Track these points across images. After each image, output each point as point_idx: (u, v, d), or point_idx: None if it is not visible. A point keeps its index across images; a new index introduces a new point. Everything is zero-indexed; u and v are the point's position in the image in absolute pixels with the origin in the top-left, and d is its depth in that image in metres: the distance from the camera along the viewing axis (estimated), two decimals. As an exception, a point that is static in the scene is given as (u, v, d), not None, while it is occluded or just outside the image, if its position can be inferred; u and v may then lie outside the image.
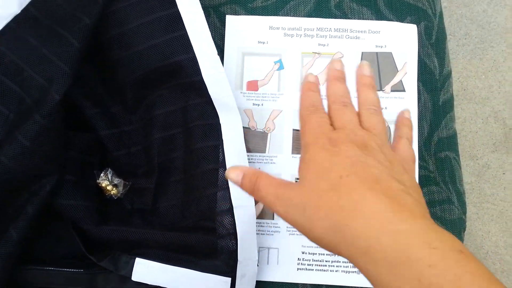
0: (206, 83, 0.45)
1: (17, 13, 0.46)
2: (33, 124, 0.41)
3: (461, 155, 0.58)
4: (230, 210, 0.45)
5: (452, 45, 0.93)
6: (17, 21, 0.46)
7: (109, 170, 0.47)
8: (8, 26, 0.46)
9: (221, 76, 0.45)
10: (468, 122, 0.93)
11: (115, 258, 0.46)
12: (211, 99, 0.46)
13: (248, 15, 0.50)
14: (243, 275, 0.44)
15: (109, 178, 0.47)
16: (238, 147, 0.45)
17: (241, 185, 0.35)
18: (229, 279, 0.44)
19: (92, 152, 0.49)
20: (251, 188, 0.33)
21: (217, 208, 0.45)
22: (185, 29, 0.46)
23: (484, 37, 0.94)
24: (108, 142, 0.48)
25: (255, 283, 0.45)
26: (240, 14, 0.51)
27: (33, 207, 0.43)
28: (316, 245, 0.44)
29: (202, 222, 0.45)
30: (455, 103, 0.53)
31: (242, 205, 0.44)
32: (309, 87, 0.36)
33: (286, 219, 0.31)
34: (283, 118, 0.49)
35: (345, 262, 0.47)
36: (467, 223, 0.49)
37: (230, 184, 0.45)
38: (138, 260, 0.45)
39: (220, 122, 0.46)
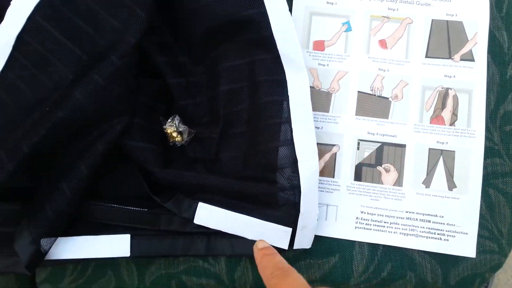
0: (275, 39, 0.46)
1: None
2: (108, 65, 0.42)
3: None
4: (294, 163, 0.45)
5: None
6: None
7: (176, 117, 0.48)
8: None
9: (291, 32, 0.45)
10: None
11: (179, 201, 0.46)
12: (279, 55, 0.46)
13: (319, -25, 0.51)
14: (304, 226, 0.44)
15: (176, 124, 0.48)
16: (304, 104, 0.46)
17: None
18: (290, 229, 0.44)
19: (159, 99, 0.50)
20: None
21: (279, 161, 0.45)
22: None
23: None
24: (175, 90, 0.49)
25: (313, 236, 0.45)
26: (310, -26, 0.51)
27: (102, 145, 0.44)
28: (375, 206, 0.44)
29: (263, 174, 0.46)
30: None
31: (307, 160, 0.45)
32: (264, 252, 0.37)
33: None
34: (348, 79, 0.49)
35: (403, 225, 0.46)
36: (529, 198, 0.48)
37: (295, 138, 0.45)
38: (200, 205, 0.46)
39: (287, 78, 0.46)
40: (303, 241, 0.45)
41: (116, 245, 0.48)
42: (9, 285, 0.53)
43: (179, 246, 0.47)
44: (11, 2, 0.46)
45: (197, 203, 0.46)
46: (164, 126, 0.48)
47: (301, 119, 0.45)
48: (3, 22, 0.46)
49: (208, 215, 0.45)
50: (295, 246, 0.45)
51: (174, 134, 0.48)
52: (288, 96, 0.46)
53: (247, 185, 0.45)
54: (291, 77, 0.46)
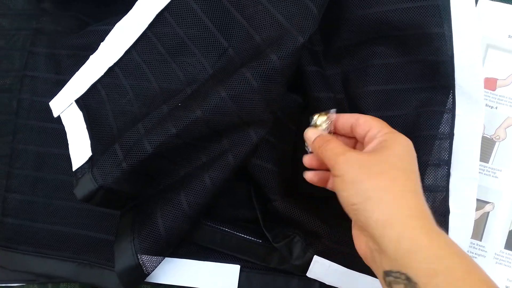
0: (455, 65, 0.39)
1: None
2: (266, 63, 0.35)
3: None
4: (444, 216, 0.38)
5: None
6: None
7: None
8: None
9: (477, 61, 0.39)
10: None
11: (292, 244, 0.40)
12: (454, 84, 0.39)
13: (504, 2, 0.43)
14: None
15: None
16: (472, 147, 0.39)
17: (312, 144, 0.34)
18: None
19: (294, 117, 0.43)
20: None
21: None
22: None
23: None
24: (323, 104, 0.43)
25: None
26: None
27: (234, 157, 0.38)
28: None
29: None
30: None
31: (461, 213, 0.38)
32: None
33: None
34: (518, 129, 0.42)
35: None
36: None
37: (451, 185, 0.39)
38: (316, 259, 0.40)
39: (456, 113, 0.39)
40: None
41: (222, 276, 0.42)
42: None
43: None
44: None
45: (313, 255, 0.40)
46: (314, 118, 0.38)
47: (465, 164, 0.39)
48: (141, -1, 0.40)
49: (324, 271, 0.40)
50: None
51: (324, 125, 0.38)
52: (453, 134, 0.39)
53: None
54: (462, 113, 0.39)
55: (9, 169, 0.45)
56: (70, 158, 0.41)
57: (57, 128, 0.45)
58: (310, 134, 0.35)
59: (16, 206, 0.45)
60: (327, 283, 0.40)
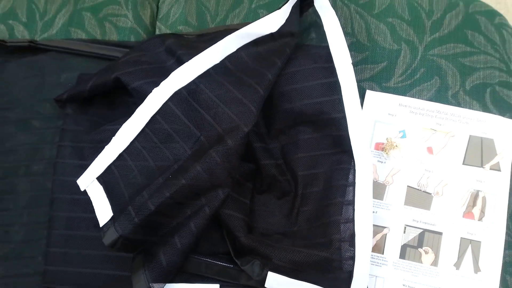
0: (350, 137, 0.59)
1: (216, 63, 0.62)
2: (224, 146, 0.56)
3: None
4: (352, 238, 0.57)
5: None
6: (215, 69, 0.62)
7: None
8: (208, 71, 0.61)
9: (364, 135, 0.59)
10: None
11: (253, 266, 0.58)
12: (351, 149, 0.60)
13: (382, 92, 0.65)
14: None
15: None
16: (367, 190, 0.59)
17: None
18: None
19: (249, 178, 0.63)
20: None
21: (341, 234, 0.57)
22: (341, 94, 0.60)
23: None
24: (266, 169, 0.62)
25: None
26: (375, 90, 0.65)
27: (209, 209, 0.57)
28: (415, 281, 0.56)
29: (326, 243, 0.58)
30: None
31: (362, 236, 0.57)
32: None
33: None
34: (400, 175, 0.62)
35: (438, 298, 0.58)
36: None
37: (356, 217, 0.58)
38: (270, 274, 0.57)
39: (356, 168, 0.59)
40: (356, 304, 0.57)
41: None
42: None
43: None
44: (153, 90, 0.60)
45: (267, 272, 0.57)
46: None
47: (364, 202, 0.58)
48: (143, 104, 0.60)
49: (277, 282, 0.57)
50: (349, 308, 0.57)
51: None
52: (355, 183, 0.59)
53: (311, 254, 0.57)
54: (360, 168, 0.59)
55: (49, 230, 0.63)
56: (92, 219, 0.59)
57: (83, 199, 0.63)
58: None
59: (55, 257, 0.62)
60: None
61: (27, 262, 0.64)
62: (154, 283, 0.56)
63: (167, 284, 0.58)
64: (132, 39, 0.72)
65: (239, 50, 0.62)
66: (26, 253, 0.65)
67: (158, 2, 0.77)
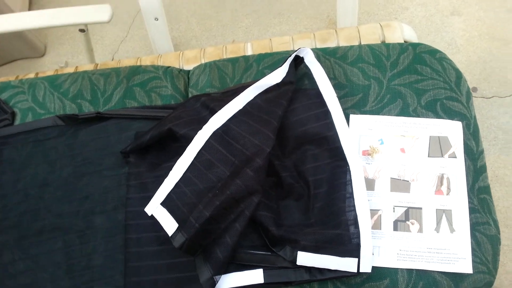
0: (343, 148, 0.82)
1: (240, 108, 0.86)
2: (255, 164, 0.78)
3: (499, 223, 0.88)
4: (356, 220, 0.78)
5: (485, 144, 1.29)
6: (240, 112, 0.86)
7: None
8: (235, 114, 0.85)
9: (353, 145, 0.82)
10: (501, 199, 1.25)
11: (286, 250, 0.78)
12: (345, 156, 0.82)
13: (362, 114, 0.89)
14: (364, 256, 0.75)
15: None
16: (361, 185, 0.81)
17: None
18: (356, 259, 0.76)
19: (273, 188, 0.84)
20: None
21: (348, 219, 0.78)
22: (332, 118, 0.84)
23: (509, 139, 1.30)
24: (286, 181, 0.84)
25: (371, 264, 0.76)
26: (356, 114, 0.89)
27: (248, 212, 0.78)
28: (407, 246, 0.76)
29: (339, 226, 0.78)
30: (490, 185, 0.86)
31: (364, 219, 0.78)
32: None
33: None
34: (384, 171, 0.84)
35: (426, 256, 0.78)
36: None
37: (357, 206, 0.79)
38: (299, 253, 0.77)
39: (351, 169, 0.81)
40: (365, 267, 0.76)
41: (253, 277, 0.79)
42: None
43: (293, 275, 0.78)
44: (197, 133, 0.83)
45: (297, 252, 0.77)
46: None
47: (360, 193, 0.80)
48: (192, 143, 0.83)
49: (306, 258, 0.76)
50: (361, 270, 0.76)
51: None
52: (351, 180, 0.81)
53: (328, 233, 0.77)
54: (353, 169, 0.81)
55: (126, 249, 0.83)
56: (157, 237, 0.79)
57: (148, 222, 0.83)
58: None
59: (132, 270, 0.81)
60: (309, 265, 0.77)
61: (108, 281, 0.83)
62: (215, 275, 0.75)
63: (222, 275, 0.78)
64: (172, 102, 0.97)
65: (255, 97, 0.87)
66: (106, 273, 0.83)
67: (189, 73, 1.03)
